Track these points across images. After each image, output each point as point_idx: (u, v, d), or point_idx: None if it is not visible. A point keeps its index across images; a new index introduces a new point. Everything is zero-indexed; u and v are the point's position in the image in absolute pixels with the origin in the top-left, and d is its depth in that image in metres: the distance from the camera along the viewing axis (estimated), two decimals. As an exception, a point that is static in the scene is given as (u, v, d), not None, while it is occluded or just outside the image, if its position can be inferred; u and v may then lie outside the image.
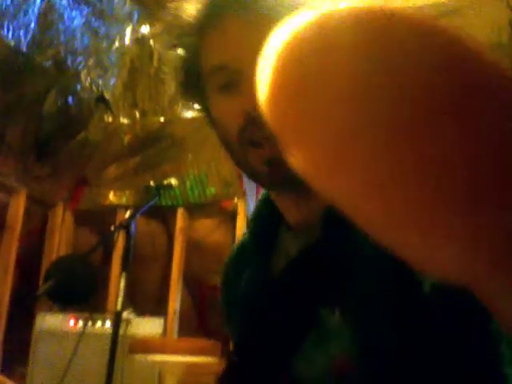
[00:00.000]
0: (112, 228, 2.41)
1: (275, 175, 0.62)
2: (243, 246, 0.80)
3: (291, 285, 0.66)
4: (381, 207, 0.21)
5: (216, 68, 0.65)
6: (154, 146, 4.01)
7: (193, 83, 0.71)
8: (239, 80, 0.63)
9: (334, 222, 0.63)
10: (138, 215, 2.45)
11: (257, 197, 4.33)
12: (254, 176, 0.66)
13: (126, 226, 2.39)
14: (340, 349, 0.59)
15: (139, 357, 2.57)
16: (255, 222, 0.77)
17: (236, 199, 4.03)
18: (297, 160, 0.22)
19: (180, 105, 3.94)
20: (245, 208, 4.03)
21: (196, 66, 0.69)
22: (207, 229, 4.21)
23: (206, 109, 0.71)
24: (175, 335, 3.78)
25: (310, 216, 0.67)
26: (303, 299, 0.64)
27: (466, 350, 0.53)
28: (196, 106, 0.74)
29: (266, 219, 0.75)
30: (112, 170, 4.10)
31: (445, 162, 0.19)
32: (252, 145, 0.63)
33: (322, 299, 0.61)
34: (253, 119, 0.61)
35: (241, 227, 4.02)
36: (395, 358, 0.56)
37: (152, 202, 2.55)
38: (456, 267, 0.22)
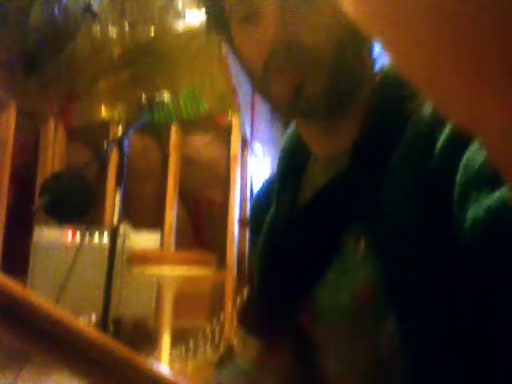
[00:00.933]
0: (105, 144, 2.38)
1: (301, 103, 0.61)
2: (271, 181, 0.81)
3: (317, 214, 0.66)
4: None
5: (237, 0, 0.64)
6: (144, 59, 3.90)
7: (216, 15, 0.68)
8: (261, 11, 0.61)
9: (363, 152, 0.63)
10: (131, 131, 2.42)
11: (252, 112, 4.30)
12: (279, 106, 0.64)
13: (119, 142, 2.37)
14: (363, 280, 0.59)
15: (137, 269, 2.64)
16: (282, 157, 0.77)
17: (230, 114, 3.98)
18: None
19: (170, 14, 3.79)
20: (239, 123, 4.00)
21: None
22: (201, 144, 4.19)
23: (230, 40, 0.69)
24: (172, 248, 3.87)
25: (336, 146, 0.67)
26: (328, 229, 0.64)
27: (495, 297, 0.52)
28: (219, 36, 0.71)
29: (292, 153, 0.75)
30: (102, 84, 4.01)
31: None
32: (278, 73, 0.61)
33: (347, 229, 0.61)
34: (279, 47, 0.60)
35: (235, 142, 4.00)
36: (419, 293, 0.55)
37: (145, 118, 2.51)
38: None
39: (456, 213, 0.51)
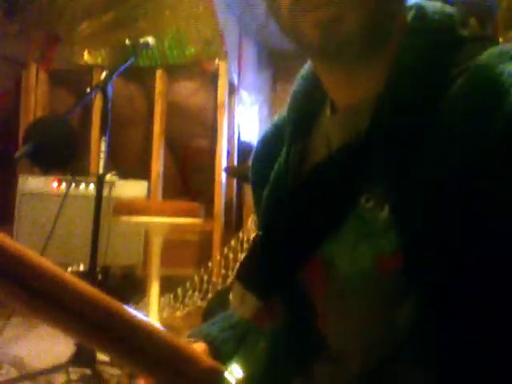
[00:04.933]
0: (88, 89, 2.31)
1: (328, 41, 0.55)
2: (277, 125, 0.75)
3: (332, 174, 0.61)
4: None
5: None
6: (127, 1, 3.76)
7: None
8: None
9: (391, 105, 0.57)
10: (114, 76, 2.34)
11: (240, 58, 4.20)
12: (306, 44, 0.58)
13: (102, 88, 2.30)
14: (386, 246, 0.55)
15: (124, 218, 2.61)
16: (294, 100, 0.70)
17: (217, 60, 3.88)
18: None
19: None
20: (226, 69, 3.91)
21: None
22: (188, 91, 4.10)
23: None
24: (159, 198, 3.85)
25: (360, 95, 0.60)
26: (343, 188, 0.59)
27: None
28: None
29: (305, 97, 0.69)
30: (85, 27, 3.88)
31: None
32: (311, 7, 0.55)
33: (369, 190, 0.57)
34: None
35: (222, 89, 3.92)
36: (446, 262, 0.53)
37: (129, 62, 2.43)
38: None
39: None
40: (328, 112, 0.66)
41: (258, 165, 0.77)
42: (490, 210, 0.51)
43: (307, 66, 0.70)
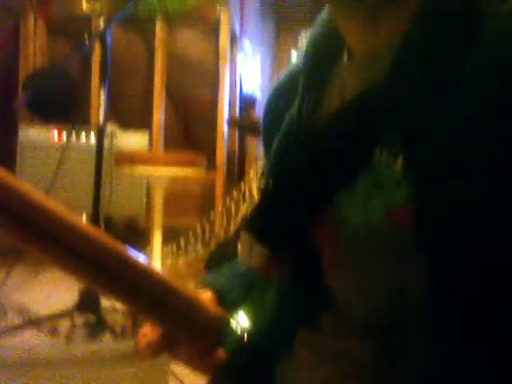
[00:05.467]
0: (86, 38, 2.27)
1: None
2: (292, 73, 0.72)
3: (346, 124, 0.59)
4: None
5: None
6: None
7: None
8: None
9: (413, 53, 0.55)
10: (113, 24, 2.30)
11: (242, 6, 4.10)
12: None
13: (101, 36, 2.26)
14: (402, 199, 0.53)
15: (126, 169, 2.61)
16: (309, 47, 0.67)
17: (219, 8, 3.80)
18: None
19: None
20: (228, 18, 3.82)
21: None
22: (189, 40, 4.03)
23: None
24: (161, 149, 3.83)
25: (379, 43, 0.58)
26: (358, 139, 0.57)
27: None
28: None
29: (321, 44, 0.66)
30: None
31: None
32: None
33: (382, 142, 0.55)
34: None
35: (224, 39, 3.84)
36: (460, 223, 0.50)
37: (128, 11, 2.37)
38: None
39: None
40: (345, 60, 0.64)
41: (270, 113, 0.74)
42: None
43: (324, 13, 0.67)
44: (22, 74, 3.90)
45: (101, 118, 2.31)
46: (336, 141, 0.59)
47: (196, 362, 0.64)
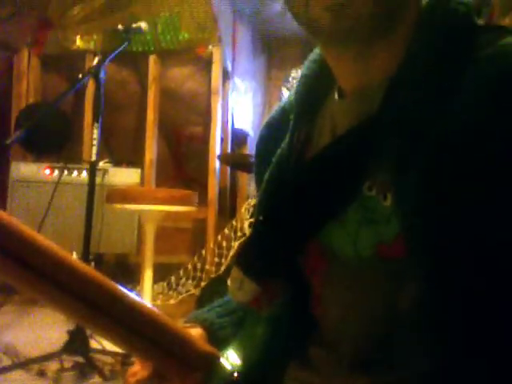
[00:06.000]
0: (80, 75, 2.28)
1: (337, 24, 0.54)
2: (284, 108, 0.74)
3: (335, 160, 0.60)
4: None
5: None
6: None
7: None
8: None
9: (401, 90, 0.56)
10: (107, 61, 2.31)
11: (234, 44, 4.16)
12: (314, 27, 0.57)
13: (95, 73, 2.27)
14: (388, 234, 0.55)
15: (118, 206, 2.60)
16: (301, 84, 0.69)
17: (211, 46, 3.85)
18: None
19: None
20: (220, 55, 3.87)
21: None
22: (182, 77, 4.07)
23: None
24: (153, 184, 3.83)
25: (369, 81, 0.59)
26: (346, 174, 0.58)
27: None
28: None
29: (313, 81, 0.68)
30: (77, 12, 3.82)
31: None
32: None
33: (373, 179, 0.56)
34: None
35: (216, 75, 3.89)
36: (448, 252, 0.51)
37: (121, 48, 2.40)
38: None
39: None
40: (336, 97, 0.65)
41: (261, 147, 0.76)
42: (493, 201, 0.50)
43: (316, 51, 0.69)
44: (15, 110, 3.91)
45: (93, 155, 2.31)
46: (324, 174, 0.59)
47: None
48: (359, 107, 0.60)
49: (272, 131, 0.74)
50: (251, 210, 3.24)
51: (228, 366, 0.61)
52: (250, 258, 0.62)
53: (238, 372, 0.62)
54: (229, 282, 0.62)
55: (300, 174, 0.63)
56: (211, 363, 0.61)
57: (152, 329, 0.56)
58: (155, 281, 2.77)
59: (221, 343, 0.66)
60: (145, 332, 0.55)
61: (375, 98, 0.57)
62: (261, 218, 0.65)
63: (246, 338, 0.68)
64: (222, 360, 0.61)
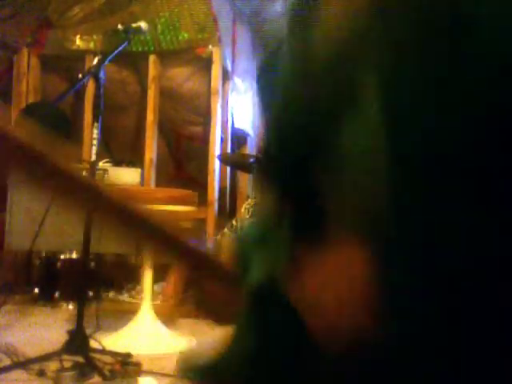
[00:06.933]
0: (80, 75, 2.28)
1: None
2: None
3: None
4: None
5: None
6: (120, -15, 3.71)
7: None
8: None
9: None
10: (107, 61, 2.31)
11: (234, 44, 4.15)
12: None
13: (94, 73, 2.27)
14: None
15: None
16: None
17: (211, 46, 3.85)
18: None
19: None
20: (220, 55, 3.87)
21: None
22: (181, 77, 4.06)
23: None
24: (153, 185, 3.82)
25: None
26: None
27: None
28: None
29: None
30: (76, 12, 3.82)
31: None
32: None
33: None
34: None
35: (216, 76, 3.88)
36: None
37: (121, 47, 2.40)
38: None
39: None
40: None
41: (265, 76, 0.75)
42: None
43: None
44: (15, 110, 3.91)
45: (93, 155, 2.31)
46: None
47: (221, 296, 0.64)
48: None
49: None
50: (251, 210, 3.23)
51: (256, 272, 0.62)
52: (268, 169, 0.64)
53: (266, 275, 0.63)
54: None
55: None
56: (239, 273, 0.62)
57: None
58: (155, 281, 2.77)
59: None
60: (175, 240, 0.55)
61: None
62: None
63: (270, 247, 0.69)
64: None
